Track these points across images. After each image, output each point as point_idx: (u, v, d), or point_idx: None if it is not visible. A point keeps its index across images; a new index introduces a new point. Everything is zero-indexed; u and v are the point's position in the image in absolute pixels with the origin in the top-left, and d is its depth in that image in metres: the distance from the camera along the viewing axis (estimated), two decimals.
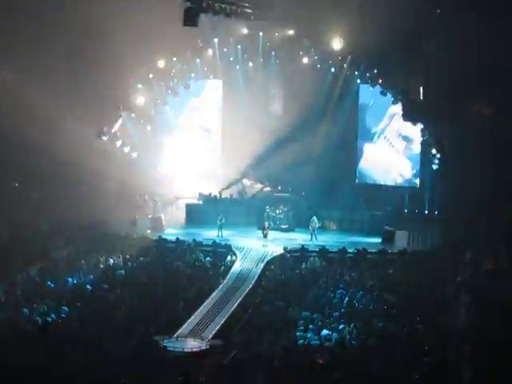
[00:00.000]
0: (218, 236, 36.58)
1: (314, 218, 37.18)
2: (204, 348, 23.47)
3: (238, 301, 27.95)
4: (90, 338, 24.05)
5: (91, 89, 35.83)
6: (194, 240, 34.79)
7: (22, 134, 36.52)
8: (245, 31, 37.19)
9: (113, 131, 37.50)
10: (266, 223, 36.67)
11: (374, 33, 32.67)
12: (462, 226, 34.25)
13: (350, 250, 33.70)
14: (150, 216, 39.01)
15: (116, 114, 37.70)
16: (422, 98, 36.08)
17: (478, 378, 20.58)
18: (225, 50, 37.98)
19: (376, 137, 39.98)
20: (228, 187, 41.59)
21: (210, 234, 36.60)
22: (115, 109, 37.66)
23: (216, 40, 37.28)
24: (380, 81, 36.88)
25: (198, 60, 38.06)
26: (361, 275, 30.71)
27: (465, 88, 34.38)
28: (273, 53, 38.72)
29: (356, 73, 38.02)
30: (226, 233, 37.24)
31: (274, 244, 35.36)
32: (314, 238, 36.47)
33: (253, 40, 37.62)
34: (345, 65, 37.79)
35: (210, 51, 37.95)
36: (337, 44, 36.31)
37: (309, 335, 24.08)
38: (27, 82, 35.92)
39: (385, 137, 39.78)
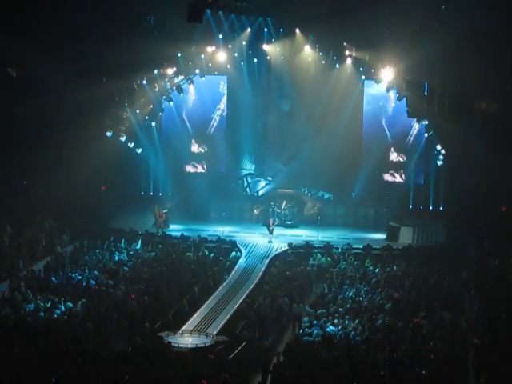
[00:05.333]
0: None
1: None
2: (209, 344, 23.49)
3: (243, 297, 27.99)
4: (95, 334, 24.16)
5: (96, 85, 35.73)
6: (198, 236, 34.84)
7: (28, 132, 36.80)
8: (249, 27, 37.07)
9: (118, 127, 37.43)
10: (271, 220, 36.70)
11: (376, 30, 32.61)
12: (466, 222, 34.24)
13: (354, 246, 33.74)
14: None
15: (121, 110, 37.62)
16: (426, 94, 35.93)
17: (481, 374, 20.61)
18: (229, 46, 37.86)
19: (381, 133, 39.82)
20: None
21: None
22: (120, 105, 37.59)
23: (221, 36, 37.15)
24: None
25: (202, 56, 37.94)
26: (365, 271, 30.73)
27: (470, 85, 34.31)
28: (277, 49, 38.60)
29: (361, 69, 37.94)
30: (230, 229, 37.21)
31: (278, 240, 35.36)
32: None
33: (258, 36, 37.52)
34: (348, 60, 37.61)
35: (215, 47, 37.80)
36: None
37: (314, 331, 24.08)
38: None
39: (390, 132, 39.64)
